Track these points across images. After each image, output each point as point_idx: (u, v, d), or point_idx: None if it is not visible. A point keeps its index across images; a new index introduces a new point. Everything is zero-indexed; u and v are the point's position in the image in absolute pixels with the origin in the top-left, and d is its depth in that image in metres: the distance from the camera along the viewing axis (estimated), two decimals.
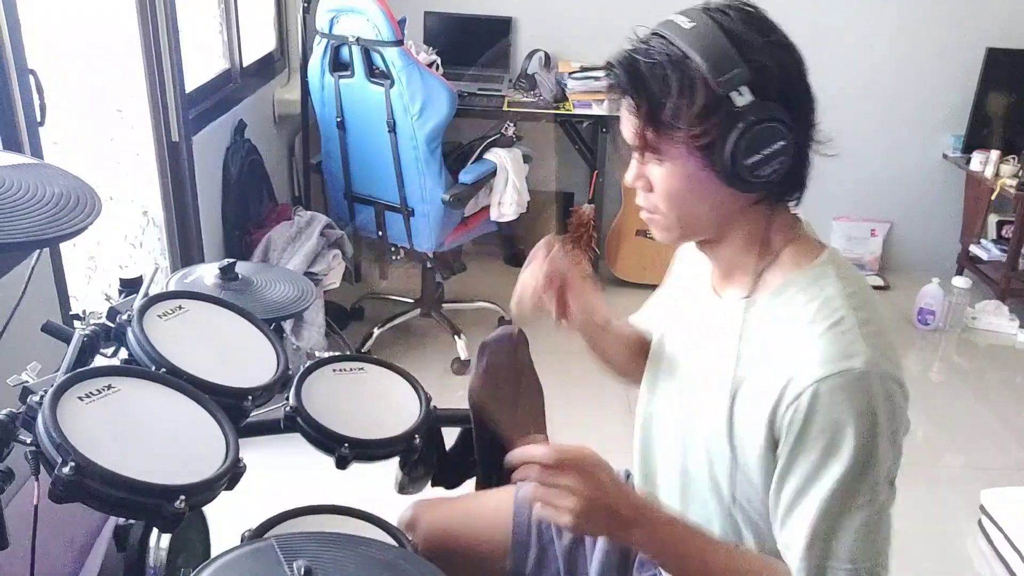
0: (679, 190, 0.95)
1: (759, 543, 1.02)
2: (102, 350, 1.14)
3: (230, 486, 0.97)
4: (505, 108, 3.35)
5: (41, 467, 0.87)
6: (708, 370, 1.02)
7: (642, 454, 1.18)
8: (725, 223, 0.98)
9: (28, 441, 0.89)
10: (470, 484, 1.53)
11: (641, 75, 0.92)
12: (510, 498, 1.33)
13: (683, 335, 1.14)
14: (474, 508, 1.38)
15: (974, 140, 3.74)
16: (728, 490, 1.00)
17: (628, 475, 1.35)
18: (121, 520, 1.15)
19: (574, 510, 0.89)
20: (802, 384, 0.88)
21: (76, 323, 1.14)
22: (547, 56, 3.70)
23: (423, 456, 1.32)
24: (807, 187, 0.98)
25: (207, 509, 1.30)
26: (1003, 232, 3.79)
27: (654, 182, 0.97)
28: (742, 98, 0.88)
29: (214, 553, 0.89)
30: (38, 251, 1.25)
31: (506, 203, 2.97)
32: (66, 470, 0.83)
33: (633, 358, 1.25)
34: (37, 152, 1.69)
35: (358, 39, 2.70)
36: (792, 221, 1.01)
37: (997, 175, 3.54)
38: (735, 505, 1.01)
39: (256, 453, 1.16)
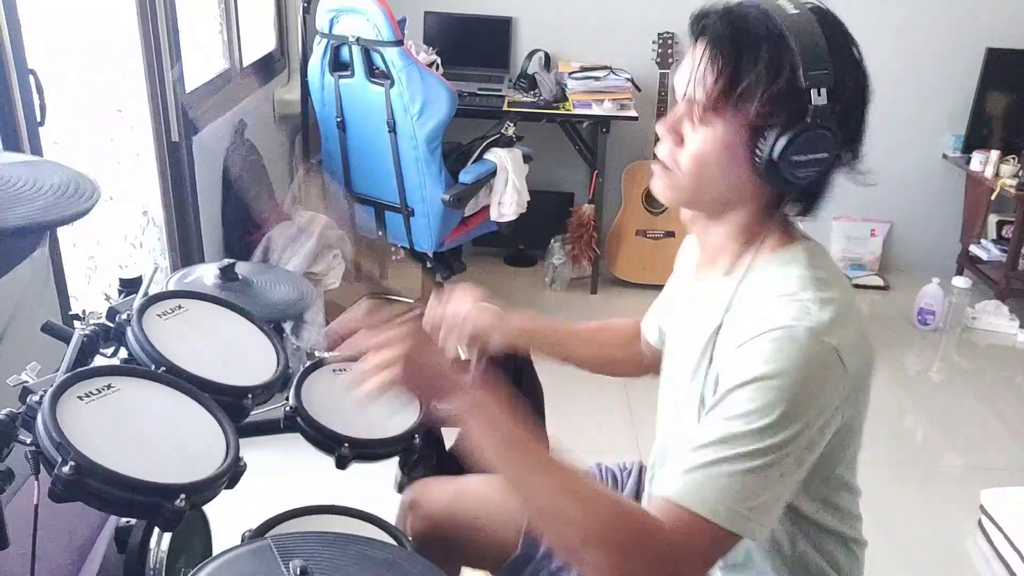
0: (710, 156, 0.95)
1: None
2: (102, 350, 1.14)
3: (230, 485, 0.97)
4: (505, 108, 3.35)
5: (41, 467, 0.87)
6: (690, 359, 1.02)
7: (658, 450, 1.17)
8: (730, 205, 0.99)
9: (28, 441, 0.89)
10: None
11: (736, 37, 0.91)
12: None
13: (672, 327, 1.15)
14: (484, 490, 1.31)
15: (974, 140, 3.74)
16: None
17: (643, 469, 1.34)
18: (122, 520, 1.15)
19: (392, 361, 0.91)
20: (746, 338, 0.89)
21: (76, 323, 1.14)
22: (547, 56, 3.70)
23: (423, 456, 1.32)
24: (816, 207, 1.00)
25: (209, 510, 1.31)
26: (1003, 232, 3.79)
27: (688, 140, 0.96)
28: (818, 98, 0.88)
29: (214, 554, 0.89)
30: (39, 250, 1.25)
31: (506, 203, 2.97)
32: (66, 469, 0.83)
33: (610, 350, 1.35)
34: (37, 152, 1.69)
35: (358, 39, 2.70)
36: (786, 222, 1.02)
37: (997, 175, 3.54)
38: None
39: (256, 453, 1.16)
